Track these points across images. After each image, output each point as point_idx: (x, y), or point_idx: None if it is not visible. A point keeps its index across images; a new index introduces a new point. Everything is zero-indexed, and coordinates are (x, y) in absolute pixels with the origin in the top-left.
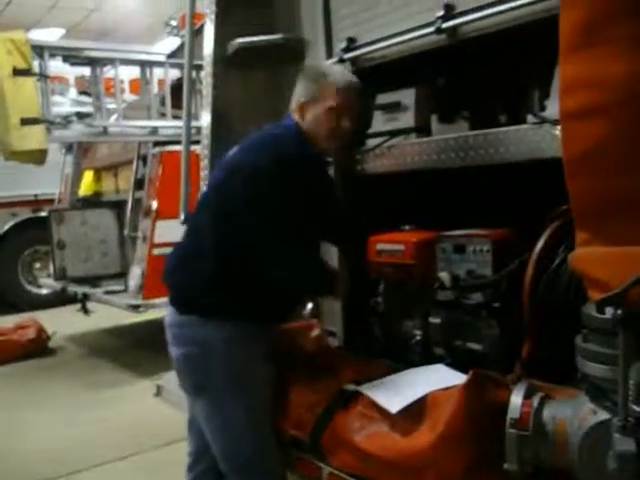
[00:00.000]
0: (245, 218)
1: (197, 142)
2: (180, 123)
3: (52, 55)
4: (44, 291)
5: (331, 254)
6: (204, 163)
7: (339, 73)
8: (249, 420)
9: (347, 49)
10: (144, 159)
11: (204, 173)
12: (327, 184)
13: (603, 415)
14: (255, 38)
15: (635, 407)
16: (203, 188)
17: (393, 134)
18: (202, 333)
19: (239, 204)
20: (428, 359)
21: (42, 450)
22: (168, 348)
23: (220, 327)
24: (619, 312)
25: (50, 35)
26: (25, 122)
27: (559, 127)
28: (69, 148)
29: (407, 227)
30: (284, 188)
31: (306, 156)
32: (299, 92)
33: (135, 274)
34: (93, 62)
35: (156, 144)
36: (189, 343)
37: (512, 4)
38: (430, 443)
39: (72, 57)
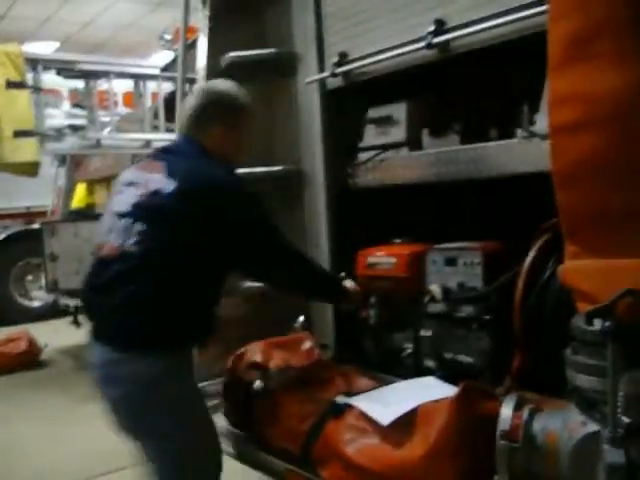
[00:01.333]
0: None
1: None
2: (173, 136)
3: (46, 68)
4: (36, 304)
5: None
6: None
7: (239, 90)
8: (201, 447)
9: (339, 63)
10: None
11: None
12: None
13: (593, 426)
14: (247, 52)
15: (624, 418)
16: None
17: (384, 148)
18: (142, 368)
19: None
20: (419, 371)
21: (30, 463)
22: (100, 389)
23: (160, 359)
24: (607, 324)
25: (44, 48)
26: (18, 134)
27: (548, 141)
28: (62, 160)
29: (398, 240)
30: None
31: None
32: (199, 112)
33: None
34: (87, 75)
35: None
36: (129, 381)
37: (502, 19)
38: (421, 455)
39: (66, 70)
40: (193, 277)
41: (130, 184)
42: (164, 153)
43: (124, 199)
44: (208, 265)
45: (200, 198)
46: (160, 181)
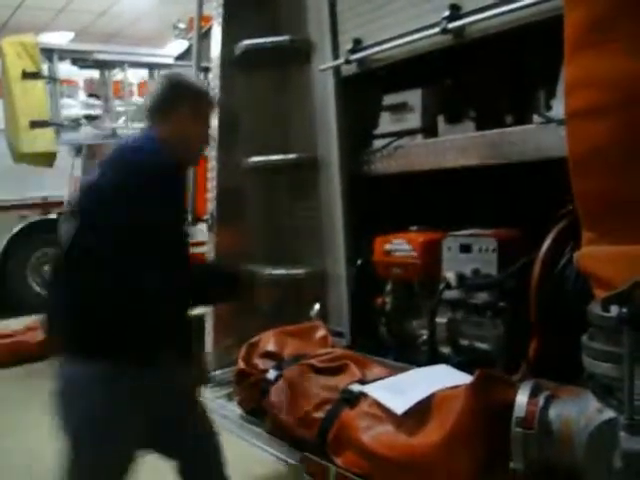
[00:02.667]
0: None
1: None
2: None
3: (61, 58)
4: None
5: (338, 258)
6: (211, 164)
7: (196, 81)
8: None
9: (353, 50)
10: None
11: (211, 175)
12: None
13: (609, 414)
14: (262, 40)
15: None
16: None
17: (400, 135)
18: (68, 372)
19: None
20: (434, 358)
21: (44, 452)
22: None
23: (83, 366)
24: (624, 310)
25: (59, 38)
26: (34, 125)
27: (565, 127)
28: (78, 150)
29: (414, 227)
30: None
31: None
32: (158, 101)
33: None
34: (102, 65)
35: None
36: (58, 380)
37: (517, 4)
38: (438, 442)
39: (81, 60)
40: (117, 274)
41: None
42: (114, 148)
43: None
44: (129, 259)
45: (113, 172)
46: (90, 174)
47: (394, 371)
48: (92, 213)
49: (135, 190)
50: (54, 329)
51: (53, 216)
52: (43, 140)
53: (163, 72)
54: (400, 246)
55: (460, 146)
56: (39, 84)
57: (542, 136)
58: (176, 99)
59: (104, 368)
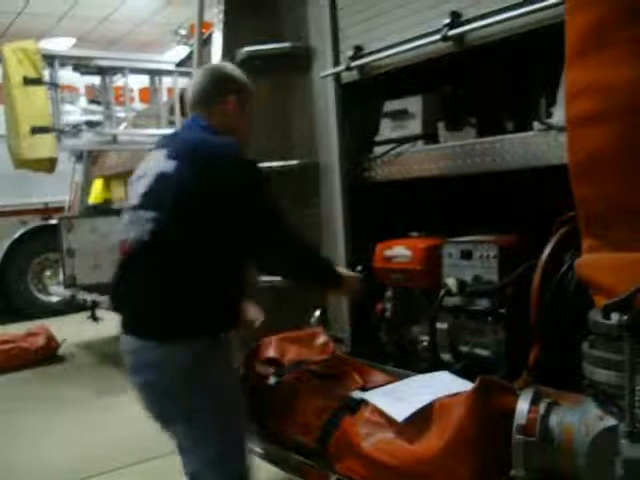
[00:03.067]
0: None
1: None
2: None
3: (62, 64)
4: (54, 299)
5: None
6: None
7: (240, 71)
8: (233, 438)
9: (354, 57)
10: None
11: None
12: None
13: (610, 421)
14: (262, 46)
15: None
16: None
17: (400, 141)
18: (159, 356)
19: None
20: (435, 365)
21: (48, 457)
22: (129, 377)
23: (177, 347)
24: (625, 318)
25: (60, 45)
26: (35, 131)
27: (565, 134)
28: (79, 156)
29: (415, 234)
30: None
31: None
32: (206, 91)
33: None
34: (103, 71)
35: None
36: (154, 368)
37: (518, 11)
38: (439, 449)
39: (82, 66)
40: (208, 259)
41: (139, 178)
42: (166, 139)
43: (135, 192)
44: (219, 242)
45: (198, 166)
46: (161, 165)
47: (395, 378)
48: (182, 204)
49: (227, 182)
50: (135, 318)
51: (54, 222)
52: (44, 146)
53: (206, 65)
54: (400, 252)
55: (460, 153)
56: (40, 90)
57: (542, 143)
58: (214, 90)
59: (207, 345)
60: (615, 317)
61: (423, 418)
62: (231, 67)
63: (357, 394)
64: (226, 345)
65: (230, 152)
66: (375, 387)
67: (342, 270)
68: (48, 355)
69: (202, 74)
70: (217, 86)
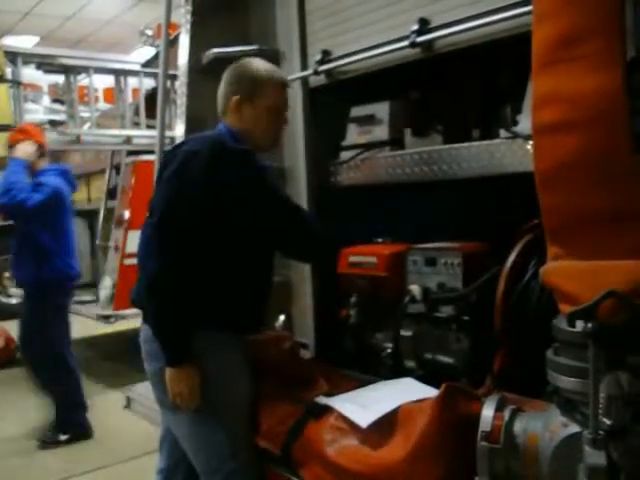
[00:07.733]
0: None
1: None
2: (154, 133)
3: (26, 62)
4: (14, 301)
5: (303, 270)
6: None
7: (272, 70)
8: (229, 434)
9: (322, 61)
10: (117, 168)
11: None
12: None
13: (574, 428)
14: (230, 49)
15: (605, 420)
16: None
17: (367, 147)
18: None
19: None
20: (399, 371)
21: (6, 463)
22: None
23: (194, 339)
24: (589, 325)
25: (24, 42)
26: None
27: (531, 142)
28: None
29: (380, 240)
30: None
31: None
32: (231, 91)
33: (106, 284)
34: (67, 70)
35: (129, 153)
36: (159, 358)
37: (486, 19)
38: (403, 456)
39: (46, 64)
40: (222, 252)
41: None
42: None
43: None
44: (235, 236)
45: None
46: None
47: (360, 384)
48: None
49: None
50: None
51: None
52: (3, 144)
53: (235, 63)
54: (365, 258)
55: (427, 159)
56: (2, 88)
57: (508, 151)
58: (228, 87)
59: (217, 339)
60: (580, 325)
61: (388, 424)
62: (250, 61)
63: (322, 400)
64: (231, 344)
65: (237, 153)
66: (340, 393)
67: None
68: (7, 358)
69: (228, 73)
70: (224, 87)
